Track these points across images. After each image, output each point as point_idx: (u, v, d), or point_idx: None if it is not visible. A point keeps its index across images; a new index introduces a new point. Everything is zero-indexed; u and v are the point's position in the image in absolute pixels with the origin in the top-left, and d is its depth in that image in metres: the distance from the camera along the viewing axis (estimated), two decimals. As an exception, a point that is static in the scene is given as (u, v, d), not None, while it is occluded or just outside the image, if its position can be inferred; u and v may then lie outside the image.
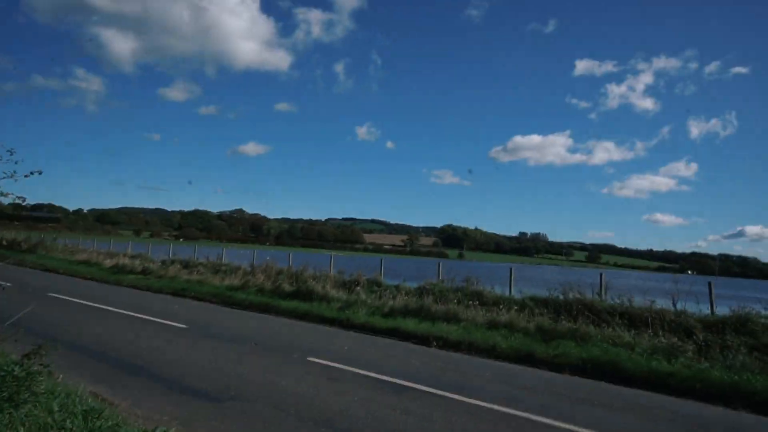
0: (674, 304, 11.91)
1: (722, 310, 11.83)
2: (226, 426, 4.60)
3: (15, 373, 3.58)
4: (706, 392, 6.98)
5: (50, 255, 28.59)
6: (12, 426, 3.23)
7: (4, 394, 3.42)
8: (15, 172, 3.94)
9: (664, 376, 7.53)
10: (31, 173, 4.18)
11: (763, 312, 10.94)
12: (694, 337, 9.97)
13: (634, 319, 11.33)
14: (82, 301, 12.20)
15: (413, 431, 4.87)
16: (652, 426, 5.51)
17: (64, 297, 12.73)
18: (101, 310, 11.16)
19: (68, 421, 3.64)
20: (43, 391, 3.79)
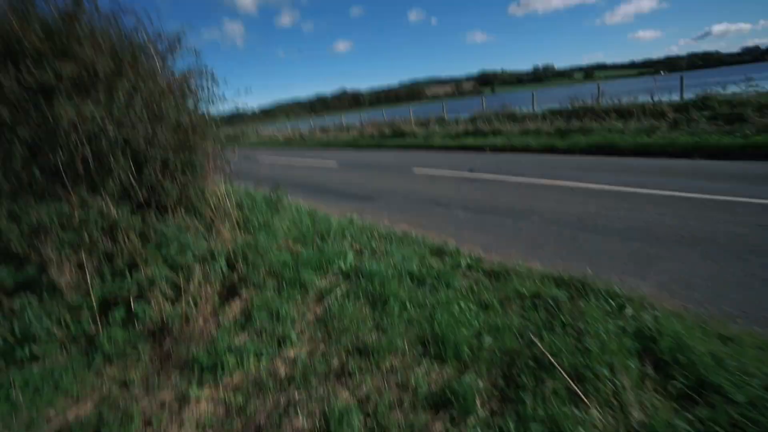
0: (651, 97, 10.63)
1: (689, 96, 10.38)
2: (378, 210, 5.09)
3: (272, 198, 4.21)
4: (675, 152, 6.52)
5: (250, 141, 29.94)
6: (278, 222, 3.89)
7: (270, 208, 4.08)
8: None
9: (645, 146, 7.04)
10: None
11: (721, 90, 9.50)
12: (667, 118, 9.00)
13: (623, 113, 10.28)
14: (276, 157, 12.95)
15: (483, 197, 5.14)
16: (640, 176, 5.36)
17: (268, 156, 13.50)
18: (288, 163, 11.92)
19: (303, 217, 4.29)
20: (286, 206, 4.43)
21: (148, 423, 1.87)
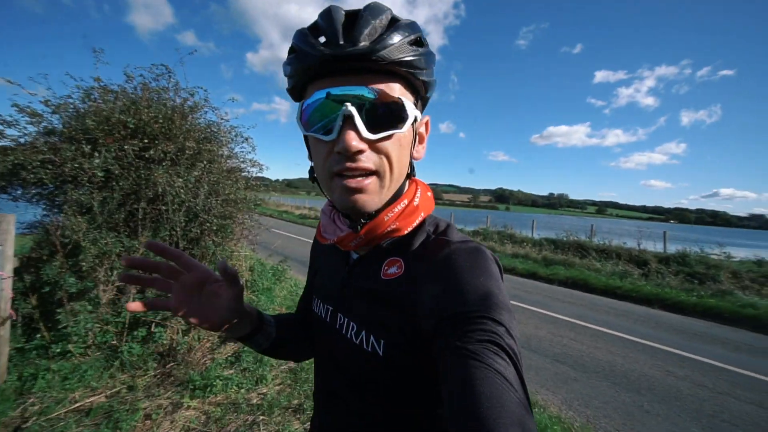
0: (638, 244, 11.74)
1: (677, 248, 11.39)
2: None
3: (278, 269, 5.05)
4: (639, 299, 7.23)
5: (265, 207, 31.86)
6: (279, 290, 4.67)
7: (275, 276, 4.89)
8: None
9: (614, 288, 7.76)
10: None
11: (699, 251, 10.58)
12: (649, 266, 9.90)
13: (609, 253, 11.30)
14: (288, 234, 14.16)
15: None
16: (599, 314, 6.04)
17: (280, 231, 14.75)
18: (297, 239, 13.03)
19: (298, 289, 5.05)
20: (288, 278, 5.24)
21: (147, 417, 2.49)
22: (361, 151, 0.51)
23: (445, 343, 0.46)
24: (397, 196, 0.60)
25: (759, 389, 3.81)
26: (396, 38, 0.50)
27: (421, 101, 0.60)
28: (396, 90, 0.53)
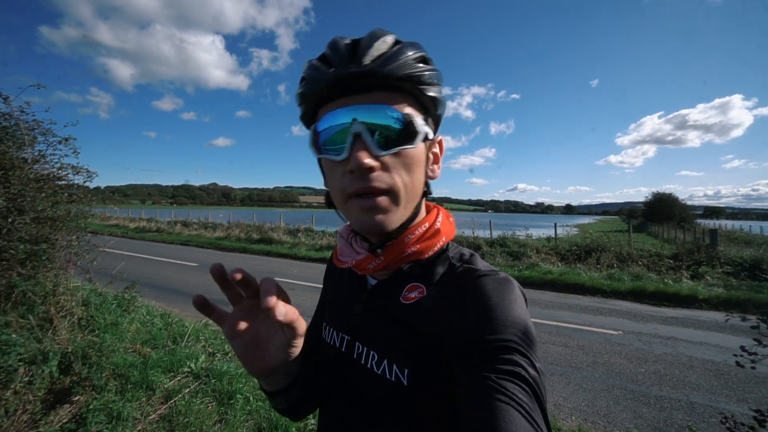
0: (473, 232, 13.97)
1: (498, 233, 14.04)
2: (237, 315, 5.29)
3: (124, 297, 4.09)
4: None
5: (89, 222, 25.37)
6: (128, 323, 3.80)
7: (121, 307, 3.95)
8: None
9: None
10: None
11: (515, 234, 13.32)
12: (482, 250, 11.94)
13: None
14: (127, 253, 11.69)
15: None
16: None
17: (117, 251, 12.05)
18: (141, 258, 10.94)
19: (155, 319, 4.24)
20: (138, 306, 4.31)
21: None
22: (372, 169, 0.50)
23: (467, 370, 0.45)
24: (417, 218, 0.60)
25: (562, 334, 5.09)
26: (400, 55, 0.51)
27: (432, 119, 0.58)
28: (404, 107, 0.52)
